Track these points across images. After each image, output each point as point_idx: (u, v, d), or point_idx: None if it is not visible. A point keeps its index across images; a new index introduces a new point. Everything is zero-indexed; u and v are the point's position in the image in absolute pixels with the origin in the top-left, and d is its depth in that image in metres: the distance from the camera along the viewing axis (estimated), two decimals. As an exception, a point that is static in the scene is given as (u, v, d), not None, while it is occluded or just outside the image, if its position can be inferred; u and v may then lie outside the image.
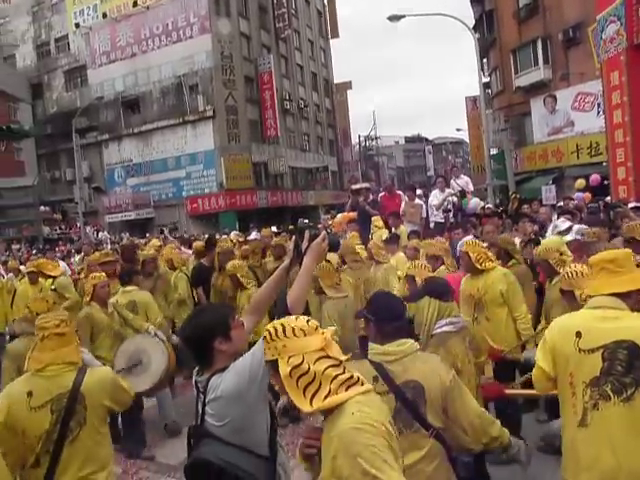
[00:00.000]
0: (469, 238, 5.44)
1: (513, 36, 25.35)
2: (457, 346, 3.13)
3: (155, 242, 10.35)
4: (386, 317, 2.52)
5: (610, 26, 9.66)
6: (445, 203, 9.77)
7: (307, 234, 2.52)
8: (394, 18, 16.54)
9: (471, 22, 28.51)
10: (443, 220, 9.63)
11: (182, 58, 30.27)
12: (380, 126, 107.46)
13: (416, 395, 2.42)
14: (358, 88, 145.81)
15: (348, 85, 46.93)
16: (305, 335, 1.79)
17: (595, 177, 13.80)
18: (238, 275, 6.13)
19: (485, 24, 28.48)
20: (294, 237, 2.65)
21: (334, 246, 2.66)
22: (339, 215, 11.21)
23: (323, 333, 1.83)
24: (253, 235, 12.60)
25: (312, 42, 41.69)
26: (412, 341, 2.54)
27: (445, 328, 3.15)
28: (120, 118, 32.86)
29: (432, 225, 9.72)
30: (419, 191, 11.17)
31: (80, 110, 29.48)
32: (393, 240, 7.05)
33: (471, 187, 11.11)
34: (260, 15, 33.84)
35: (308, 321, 1.86)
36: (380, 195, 10.34)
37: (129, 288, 5.80)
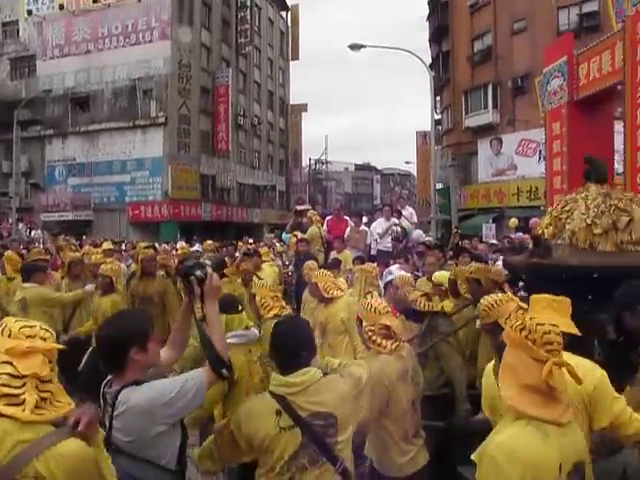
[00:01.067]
0: (395, 267, 5.60)
1: (466, 78, 26.44)
2: (237, 357, 3.09)
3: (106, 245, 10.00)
4: (287, 349, 2.42)
5: (554, 80, 10.17)
6: (389, 232, 9.89)
7: (194, 279, 2.36)
8: (355, 47, 16.79)
9: (428, 60, 29.52)
10: (390, 249, 9.72)
11: (138, 61, 29.63)
12: (331, 151, 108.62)
13: (327, 426, 2.33)
14: (313, 111, 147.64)
15: (303, 107, 47.34)
16: (9, 337, 1.76)
17: (535, 220, 14.34)
18: (113, 278, 6.12)
19: (441, 64, 29.61)
20: (183, 283, 2.52)
21: (219, 266, 2.62)
22: (286, 236, 11.19)
23: (27, 343, 1.76)
24: (195, 248, 12.38)
25: (272, 61, 41.92)
26: (315, 369, 2.42)
27: (230, 340, 3.13)
28: (67, 115, 31.70)
29: (374, 252, 9.78)
30: (365, 218, 11.27)
31: (24, 101, 28.20)
32: (335, 265, 6.99)
33: (415, 219, 11.33)
34: (223, 28, 33.78)
35: (25, 327, 1.78)
36: (327, 218, 10.37)
37: (26, 285, 5.87)
